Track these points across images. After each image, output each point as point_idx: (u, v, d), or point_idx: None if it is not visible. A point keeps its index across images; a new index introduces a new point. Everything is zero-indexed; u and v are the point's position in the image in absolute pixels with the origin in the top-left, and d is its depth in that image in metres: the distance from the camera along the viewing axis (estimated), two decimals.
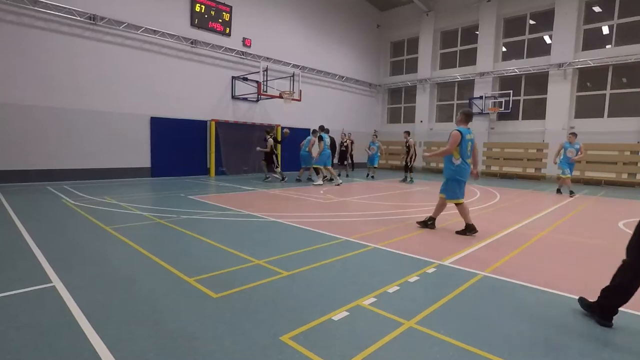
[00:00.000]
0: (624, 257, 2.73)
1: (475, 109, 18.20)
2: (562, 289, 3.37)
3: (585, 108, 15.77)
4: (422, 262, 4.05)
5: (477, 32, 18.41)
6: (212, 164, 14.27)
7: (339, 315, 2.74)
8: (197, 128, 13.85)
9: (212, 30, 13.90)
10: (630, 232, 2.85)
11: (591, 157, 14.97)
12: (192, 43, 13.33)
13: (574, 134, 10.49)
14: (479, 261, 4.15)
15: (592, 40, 15.50)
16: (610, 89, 15.13)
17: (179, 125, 13.25)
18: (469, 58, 18.93)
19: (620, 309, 2.88)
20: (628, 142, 14.34)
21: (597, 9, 15.37)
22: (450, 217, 6.71)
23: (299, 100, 14.61)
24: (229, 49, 14.42)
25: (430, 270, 3.81)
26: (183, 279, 3.40)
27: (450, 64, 19.90)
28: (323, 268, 3.83)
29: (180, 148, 13.38)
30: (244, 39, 14.96)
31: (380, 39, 22.22)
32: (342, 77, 19.68)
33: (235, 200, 8.41)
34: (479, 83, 18.31)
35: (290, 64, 16.54)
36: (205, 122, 14.10)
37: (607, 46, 15.14)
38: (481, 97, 17.97)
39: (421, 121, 20.50)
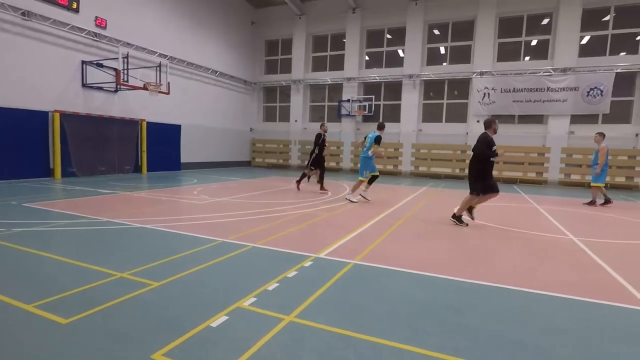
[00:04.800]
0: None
1: (343, 111, 19.84)
2: (417, 268, 3.94)
3: (430, 114, 18.85)
4: (300, 257, 4.20)
5: (345, 40, 20.00)
6: (56, 164, 11.89)
7: (218, 320, 2.62)
8: (34, 120, 11.33)
9: (52, 2, 11.57)
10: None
11: (434, 155, 18.06)
12: (23, 14, 10.85)
13: None
14: (349, 251, 4.53)
15: (434, 58, 18.59)
16: (447, 99, 18.43)
17: (9, 115, 10.66)
18: (338, 63, 20.44)
19: (436, 274, 3.52)
20: (459, 143, 17.73)
21: (436, 31, 18.47)
22: (327, 212, 7.13)
23: (167, 93, 13.47)
24: (78, 27, 12.25)
25: (308, 263, 3.98)
26: (18, 307, 2.75)
27: (321, 67, 21.11)
28: (199, 273, 3.61)
29: (10, 145, 10.78)
30: (97, 18, 12.93)
31: (255, 36, 22.09)
32: (216, 71, 18.87)
33: (89, 205, 7.23)
34: (347, 87, 19.95)
35: (157, 52, 15.05)
36: (47, 113, 11.66)
37: (444, 63, 18.37)
38: (348, 100, 19.64)
39: (295, 120, 21.24)
